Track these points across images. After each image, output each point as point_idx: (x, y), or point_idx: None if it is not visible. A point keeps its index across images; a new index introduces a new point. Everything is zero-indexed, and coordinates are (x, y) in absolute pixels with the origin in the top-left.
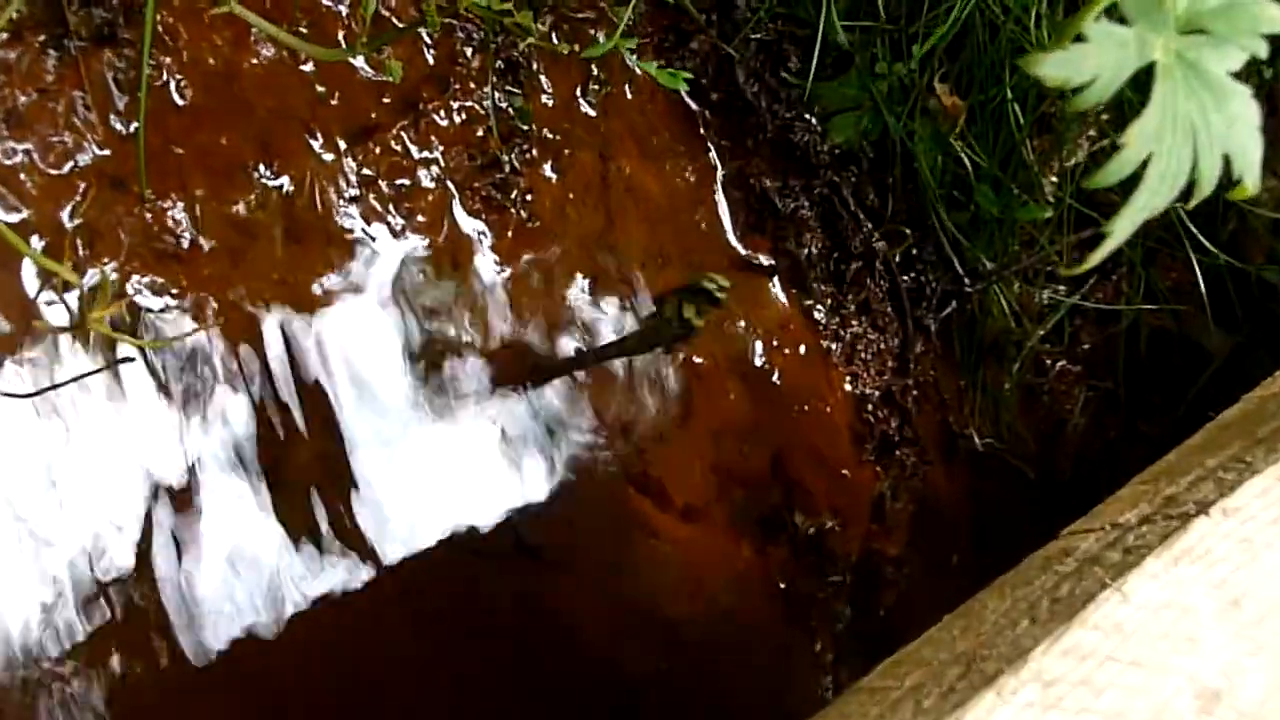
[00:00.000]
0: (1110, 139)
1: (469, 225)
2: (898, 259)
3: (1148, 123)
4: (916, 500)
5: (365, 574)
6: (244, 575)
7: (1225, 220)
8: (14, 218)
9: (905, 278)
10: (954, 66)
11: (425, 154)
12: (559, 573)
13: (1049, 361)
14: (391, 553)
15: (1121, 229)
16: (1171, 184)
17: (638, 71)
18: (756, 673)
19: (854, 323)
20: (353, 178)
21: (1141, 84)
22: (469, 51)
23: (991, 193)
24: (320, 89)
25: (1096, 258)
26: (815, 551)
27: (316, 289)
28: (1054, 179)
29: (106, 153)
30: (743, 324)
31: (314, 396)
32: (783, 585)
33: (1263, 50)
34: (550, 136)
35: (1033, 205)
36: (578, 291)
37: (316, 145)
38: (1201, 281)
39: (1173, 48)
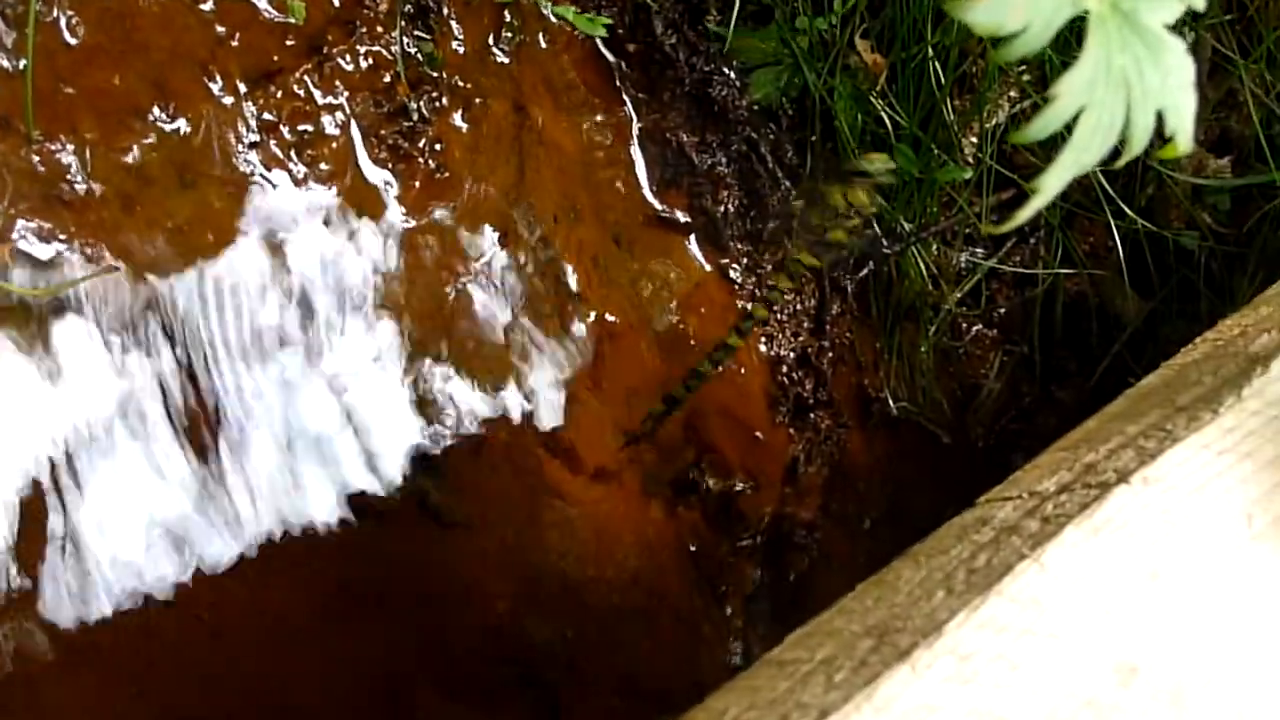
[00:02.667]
0: (1032, 99)
1: (375, 175)
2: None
3: (1081, 74)
4: (830, 465)
5: (252, 539)
6: (113, 542)
7: (1144, 185)
8: None
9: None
10: (875, 23)
11: (329, 99)
12: (464, 537)
13: (965, 325)
14: (283, 517)
15: (1050, 185)
16: (1103, 138)
17: (553, 20)
18: (665, 640)
19: (770, 282)
20: (253, 123)
21: (1066, 44)
22: None
23: (911, 152)
24: (220, 29)
25: (1024, 215)
26: (726, 514)
27: (212, 238)
28: (974, 140)
29: None
30: (656, 280)
31: (204, 349)
32: (693, 549)
33: (1200, 2)
34: (460, 85)
35: (952, 166)
36: (488, 245)
37: (215, 88)
38: (1119, 246)
39: None
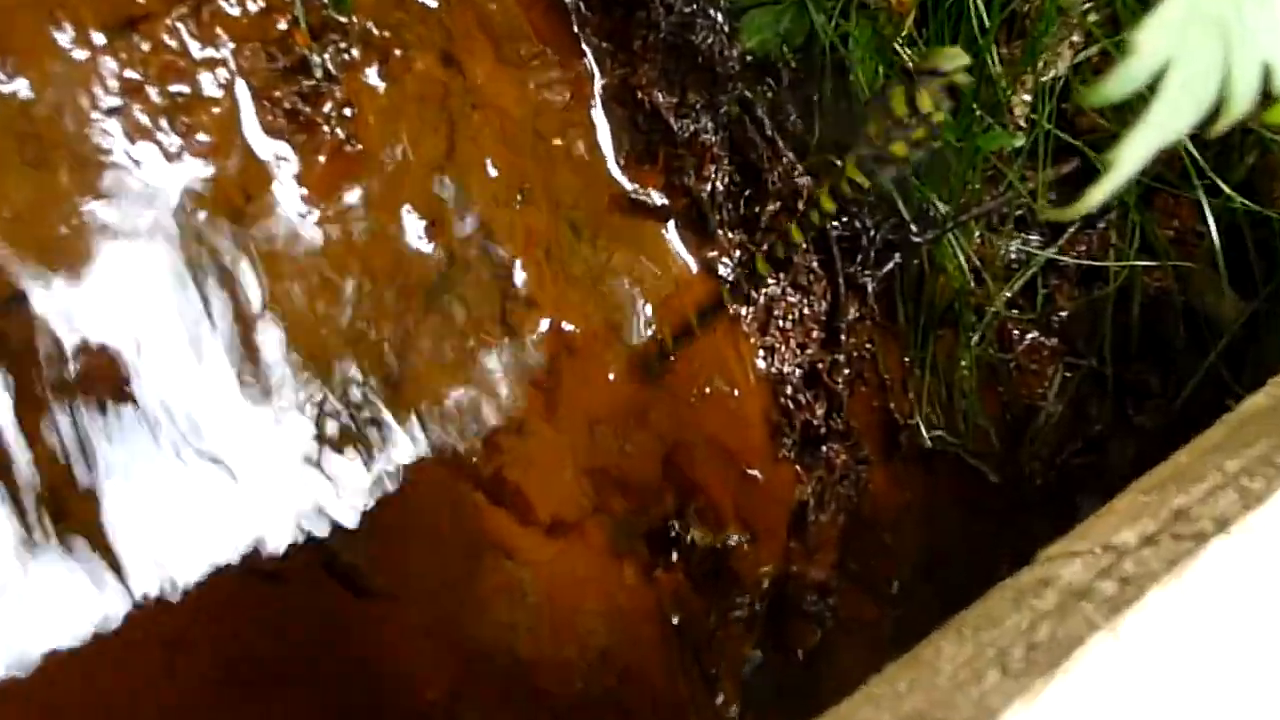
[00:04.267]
0: (1101, 45)
1: (267, 147)
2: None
3: (1166, 17)
4: (848, 510)
5: (123, 606)
6: None
7: (1244, 153)
8: None
9: (836, 223)
10: None
11: (210, 52)
12: (384, 607)
13: (1018, 332)
14: (159, 578)
15: (1128, 159)
16: (1195, 99)
17: None
18: None
19: (770, 280)
20: (113, 83)
21: None
22: None
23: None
24: None
25: (1095, 198)
26: (716, 575)
27: (63, 230)
28: (1026, 97)
29: None
30: (626, 282)
31: (59, 372)
32: (675, 619)
33: None
34: (377, 32)
35: (999, 131)
36: (411, 235)
37: (64, 39)
38: (1213, 230)
39: None
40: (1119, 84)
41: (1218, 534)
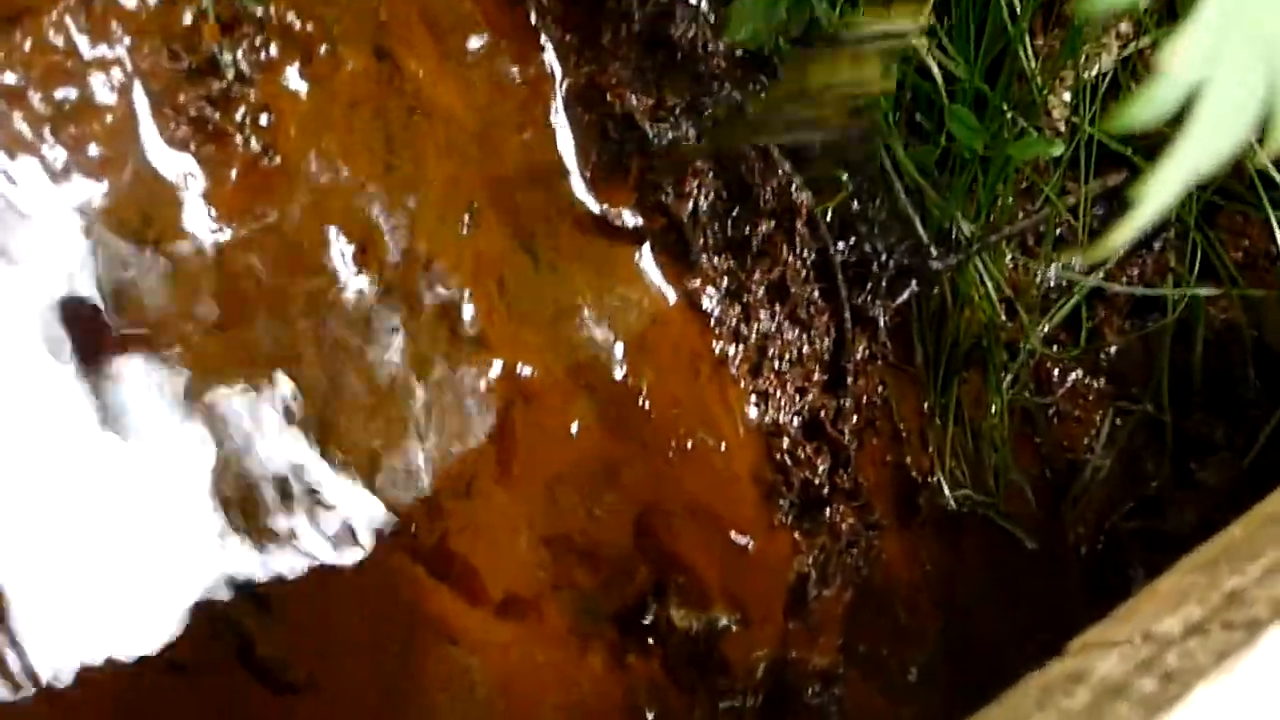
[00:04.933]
0: (1151, 36)
1: (169, 161)
2: (829, 217)
3: (1200, 31)
4: (856, 585)
5: (11, 697)
6: None
7: None
8: None
9: (841, 246)
10: None
11: (103, 51)
12: (306, 700)
13: (1058, 372)
14: (51, 667)
15: (1160, 192)
16: (1235, 123)
17: None
18: None
19: (763, 314)
20: None
21: None
22: None
23: (972, 117)
24: None
25: (1122, 235)
26: (701, 663)
27: None
28: (1066, 97)
29: None
30: (593, 317)
31: None
32: (651, 717)
33: None
34: (299, 25)
35: (1035, 137)
36: (339, 263)
37: None
38: None
39: None
40: (1146, 109)
41: (1274, 621)
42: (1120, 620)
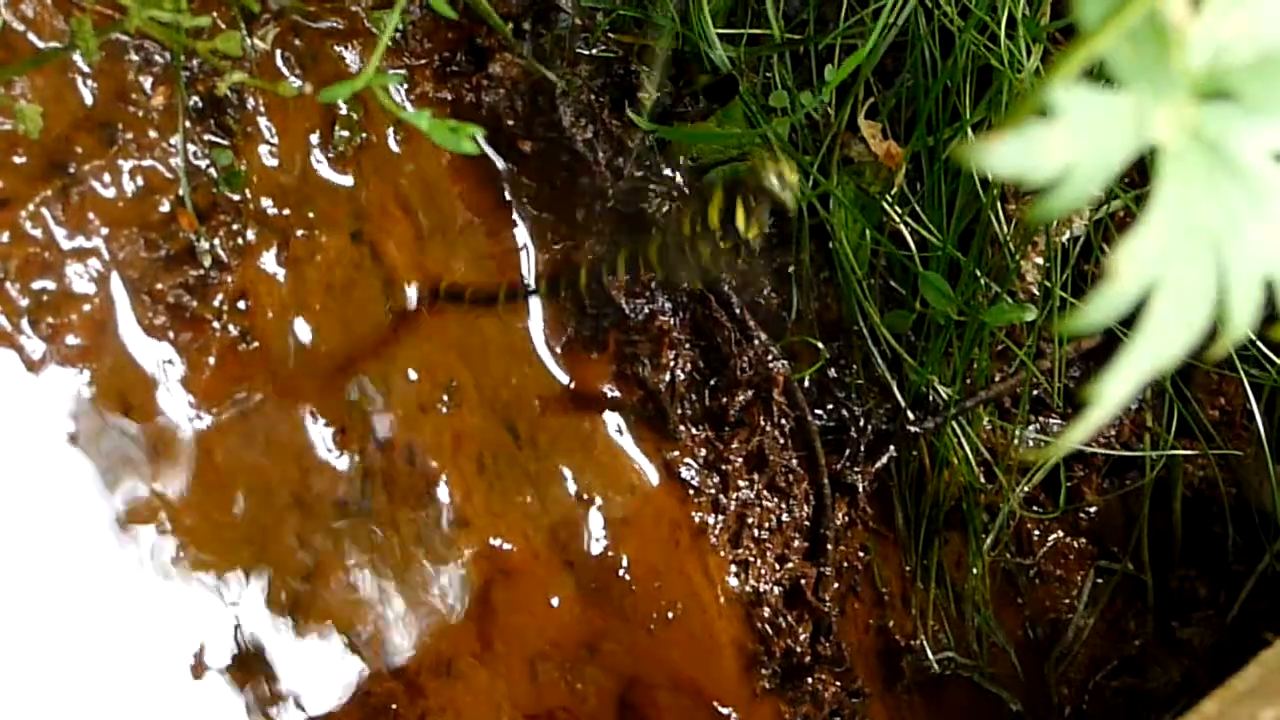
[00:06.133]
0: (1123, 200)
1: (148, 350)
2: (807, 385)
3: (1149, 237)
4: None
5: None
6: None
7: None
8: None
9: (819, 413)
10: (887, 95)
11: (80, 241)
12: None
13: (1038, 533)
14: None
15: (1113, 394)
16: (1186, 323)
17: (409, 107)
18: None
19: (742, 483)
20: None
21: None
22: (148, 83)
23: (945, 284)
24: None
25: (1076, 436)
26: None
27: None
28: (1039, 260)
29: None
30: (573, 490)
31: None
32: None
33: None
34: (275, 211)
35: (1008, 303)
36: (317, 446)
37: None
38: (1257, 411)
39: (1186, 122)
40: (1098, 312)
41: None
42: None
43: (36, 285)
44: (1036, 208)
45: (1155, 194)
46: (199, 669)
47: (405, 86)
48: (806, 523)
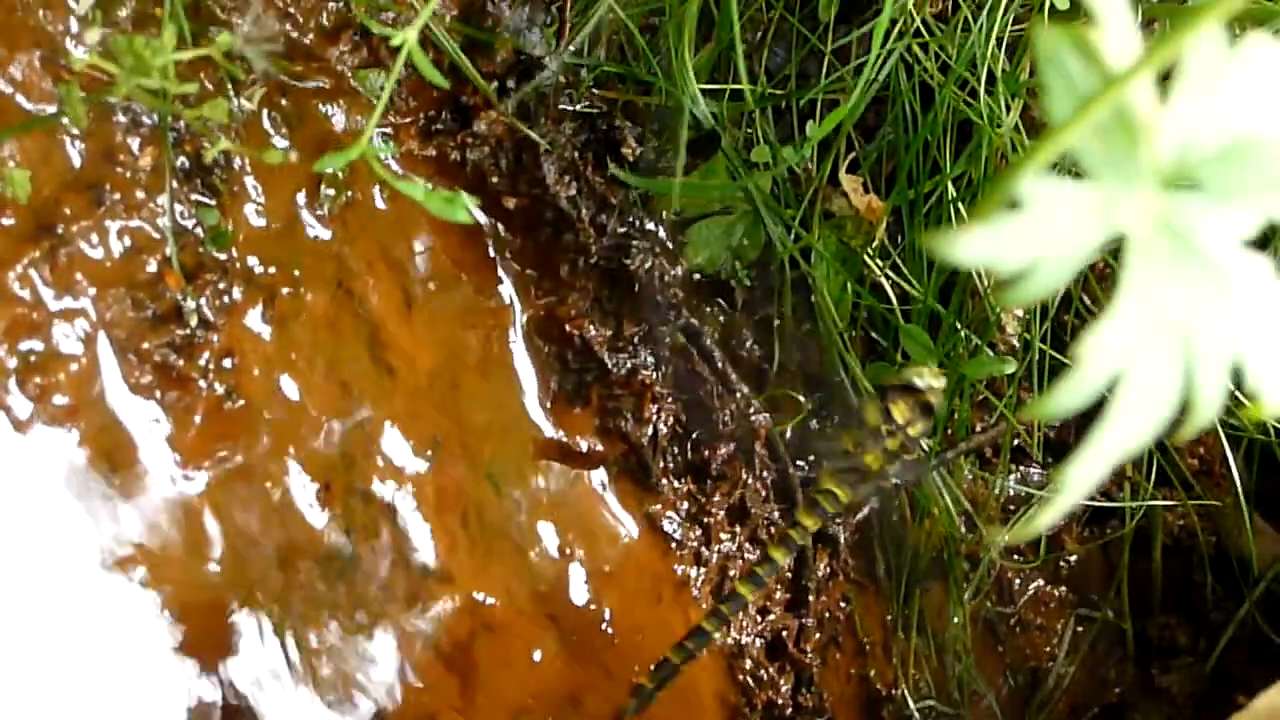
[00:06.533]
0: (1104, 255)
1: (134, 409)
2: (788, 436)
3: (1117, 326)
4: None
5: None
6: None
7: None
8: None
9: (801, 465)
10: (868, 150)
11: (67, 302)
12: None
13: (1018, 582)
14: None
15: (1081, 479)
16: (1152, 410)
17: (395, 165)
18: None
19: (724, 535)
20: None
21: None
22: (135, 144)
23: (925, 336)
24: None
25: (1044, 521)
26: None
27: None
28: (1019, 313)
29: None
30: (555, 544)
31: None
32: None
33: None
34: (261, 269)
35: (988, 355)
36: (300, 502)
37: None
38: (1232, 461)
39: (1153, 212)
40: (1066, 400)
41: None
42: None
43: (24, 346)
44: (1005, 296)
45: (1122, 283)
46: (187, 711)
47: (391, 144)
48: (788, 574)
